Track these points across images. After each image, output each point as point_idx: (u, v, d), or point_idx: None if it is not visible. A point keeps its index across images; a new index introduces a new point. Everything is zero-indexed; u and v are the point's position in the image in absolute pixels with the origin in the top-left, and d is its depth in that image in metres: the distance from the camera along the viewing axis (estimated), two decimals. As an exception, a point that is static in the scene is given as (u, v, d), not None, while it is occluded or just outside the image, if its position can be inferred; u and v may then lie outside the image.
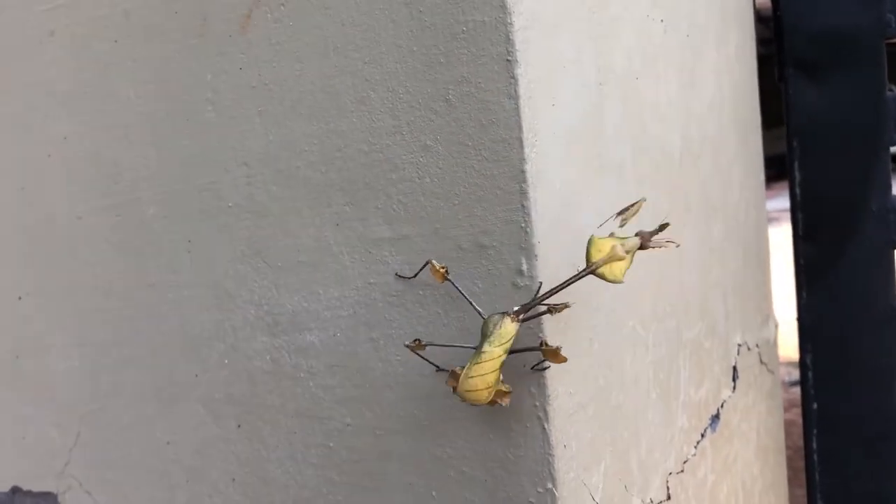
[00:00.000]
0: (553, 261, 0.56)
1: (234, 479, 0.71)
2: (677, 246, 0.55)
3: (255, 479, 0.70)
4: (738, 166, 1.06)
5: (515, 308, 0.52)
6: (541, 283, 0.54)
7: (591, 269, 0.51)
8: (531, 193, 0.54)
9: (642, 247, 0.52)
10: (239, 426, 0.70)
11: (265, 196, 0.65)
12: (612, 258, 0.51)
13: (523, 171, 0.54)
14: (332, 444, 0.65)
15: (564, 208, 0.58)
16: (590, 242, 0.51)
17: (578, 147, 0.61)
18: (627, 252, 0.51)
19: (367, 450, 0.64)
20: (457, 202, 0.57)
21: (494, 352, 0.52)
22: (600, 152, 0.64)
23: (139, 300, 0.73)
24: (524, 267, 0.55)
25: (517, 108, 0.54)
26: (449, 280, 0.55)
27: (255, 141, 0.65)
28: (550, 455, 0.56)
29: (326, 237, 0.63)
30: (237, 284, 0.68)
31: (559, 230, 0.57)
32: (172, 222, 0.70)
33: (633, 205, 0.53)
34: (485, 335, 0.52)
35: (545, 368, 0.55)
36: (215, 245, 0.68)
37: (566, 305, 0.52)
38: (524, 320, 0.53)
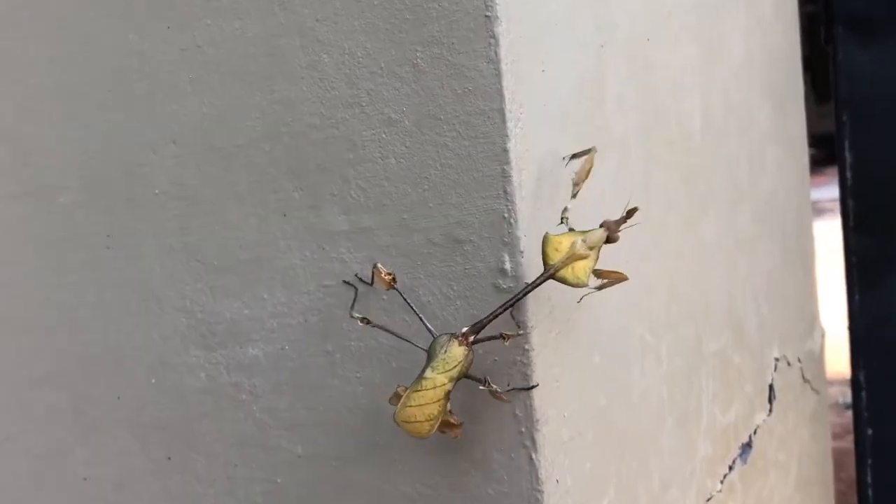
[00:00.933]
0: (540, 257, 0.55)
1: (164, 521, 0.70)
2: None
3: (189, 521, 0.69)
4: (774, 145, 1.06)
5: (465, 329, 0.52)
6: (526, 284, 0.54)
7: (549, 273, 0.50)
8: (515, 177, 0.54)
9: (609, 240, 0.52)
10: (169, 458, 0.69)
11: (198, 180, 0.64)
12: (573, 257, 0.51)
13: (506, 150, 0.54)
14: (279, 480, 0.65)
15: (556, 195, 0.58)
16: (545, 241, 0.51)
17: (573, 121, 0.60)
18: (591, 248, 0.51)
19: (322, 485, 0.63)
20: (427, 187, 0.56)
21: (437, 379, 0.51)
22: (600, 127, 0.64)
23: (51, 304, 0.72)
24: (507, 265, 0.54)
25: (498, 74, 0.53)
26: (395, 289, 0.55)
27: (186, 114, 0.64)
28: (539, 491, 0.55)
29: (272, 230, 0.62)
30: (166, 286, 0.67)
31: (549, 221, 0.56)
32: (90, 212, 0.70)
33: (583, 155, 0.53)
34: (430, 358, 0.52)
35: (531, 388, 0.55)
36: (140, 239, 0.68)
37: (517, 334, 0.51)
38: (475, 342, 0.52)
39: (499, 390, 0.52)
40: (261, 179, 0.62)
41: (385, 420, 0.60)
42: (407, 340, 0.55)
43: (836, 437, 2.09)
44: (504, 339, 0.51)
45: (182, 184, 0.65)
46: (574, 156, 0.54)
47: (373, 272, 0.56)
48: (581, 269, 0.51)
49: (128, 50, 0.66)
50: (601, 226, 0.52)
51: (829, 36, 1.22)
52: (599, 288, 0.55)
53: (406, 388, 0.53)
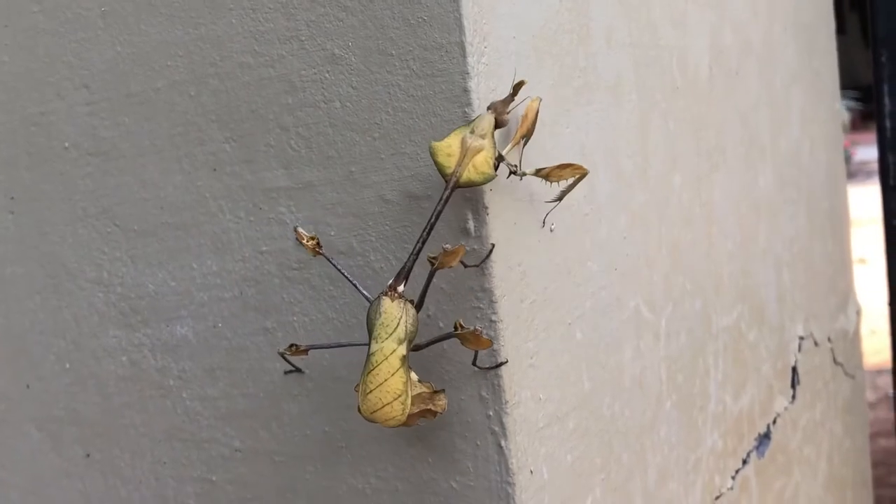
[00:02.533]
0: (509, 215, 0.56)
1: (83, 530, 0.71)
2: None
3: (112, 529, 0.70)
4: (800, 90, 1.07)
5: (390, 281, 0.53)
6: (493, 245, 0.55)
7: (453, 183, 0.52)
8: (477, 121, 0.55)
9: (499, 124, 0.53)
10: (87, 455, 0.70)
11: (114, 131, 0.65)
12: (469, 153, 0.52)
13: (467, 91, 0.54)
14: (215, 478, 0.66)
15: (530, 143, 0.58)
16: (433, 152, 0.52)
17: (551, 56, 0.61)
18: (482, 136, 0.52)
19: (263, 484, 0.64)
20: (377, 135, 0.57)
21: (385, 347, 0.52)
22: (584, 66, 0.65)
23: (-54, 282, 0.73)
24: (470, 224, 0.55)
25: (457, 1, 0.54)
26: (322, 254, 0.56)
27: (97, 54, 0.64)
28: (509, 484, 0.57)
29: (200, 188, 0.63)
30: (79, 257, 0.68)
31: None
32: (-11, 172, 0.70)
33: (513, 88, 0.54)
34: (371, 330, 0.52)
35: (499, 366, 0.56)
36: (47, 202, 0.68)
37: (448, 252, 0.51)
38: (419, 300, 0.53)
39: (478, 328, 0.52)
40: (185, 130, 0.63)
41: (333, 408, 0.61)
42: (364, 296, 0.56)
43: (886, 434, 2.11)
44: (433, 263, 0.52)
45: (95, 136, 0.66)
46: (513, 92, 0.55)
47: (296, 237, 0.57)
48: (482, 161, 0.52)
49: (29, -21, 0.66)
50: (488, 109, 0.53)
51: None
52: (560, 198, 0.56)
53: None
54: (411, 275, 0.53)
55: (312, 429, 0.62)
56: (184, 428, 0.66)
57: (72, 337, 0.69)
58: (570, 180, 0.56)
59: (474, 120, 0.53)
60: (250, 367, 0.63)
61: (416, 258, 0.53)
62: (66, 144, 0.67)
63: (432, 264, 0.52)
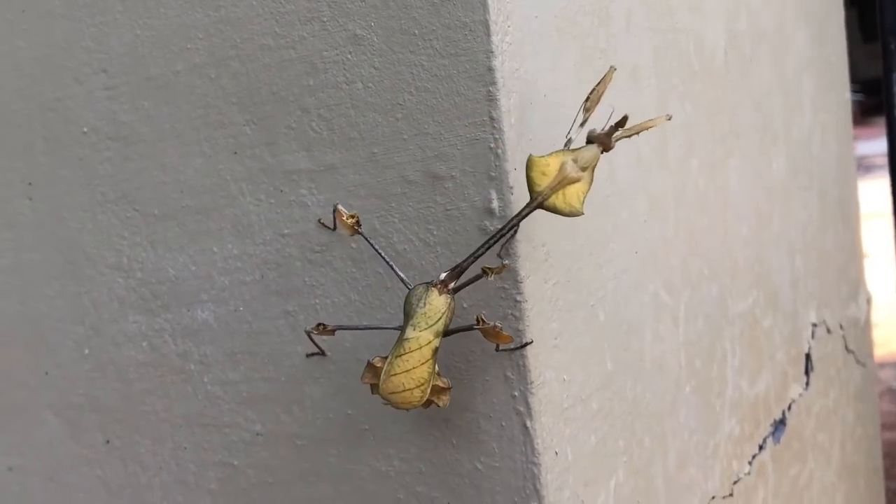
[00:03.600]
0: (535, 194, 0.56)
1: (103, 517, 0.71)
2: (668, 118, 0.53)
3: (132, 516, 0.70)
4: (811, 77, 1.07)
5: (443, 275, 0.52)
6: (511, 217, 0.55)
7: (537, 203, 0.50)
8: (503, 101, 0.54)
9: (605, 150, 0.51)
10: (107, 441, 0.70)
11: (133, 115, 0.65)
12: (564, 181, 0.50)
13: (491, 69, 0.54)
14: (236, 463, 0.66)
15: (550, 123, 0.58)
16: (529, 165, 0.51)
17: (573, 37, 0.61)
18: (584, 168, 0.51)
19: (285, 468, 0.64)
20: (400, 116, 0.57)
21: (422, 337, 0.52)
22: (605, 47, 0.64)
23: (-37, 270, 0.73)
24: (495, 204, 0.55)
25: (480, -20, 0.54)
26: (360, 234, 0.55)
27: (116, 37, 0.64)
28: (535, 465, 0.56)
29: (220, 171, 0.63)
30: (98, 242, 0.67)
31: (542, 153, 0.57)
32: (6, 157, 0.70)
33: (599, 83, 0.52)
34: (408, 316, 0.52)
35: (524, 346, 0.55)
36: (66, 187, 0.68)
37: (502, 267, 0.52)
38: (457, 289, 0.53)
39: (498, 325, 0.52)
40: (206, 113, 0.62)
41: (355, 390, 0.61)
42: (400, 278, 0.56)
43: (889, 426, 2.11)
44: (487, 274, 0.51)
45: (114, 120, 0.65)
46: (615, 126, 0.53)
47: (334, 215, 0.57)
48: (574, 194, 0.51)
49: (46, -36, 0.66)
50: (589, 141, 0.52)
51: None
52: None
53: (383, 359, 0.53)
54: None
55: (335, 412, 0.62)
56: (205, 413, 0.66)
57: (91, 323, 0.69)
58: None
59: (579, 149, 0.51)
60: (271, 350, 0.63)
61: (475, 261, 0.52)
62: (85, 129, 0.66)
63: (486, 275, 0.51)
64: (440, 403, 0.55)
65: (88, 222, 0.68)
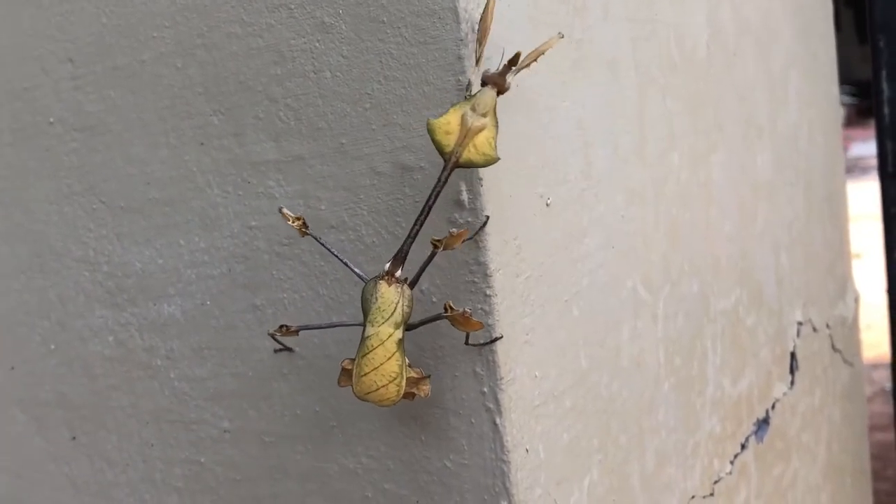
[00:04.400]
0: (505, 187, 0.55)
1: (70, 515, 0.70)
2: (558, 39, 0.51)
3: (99, 514, 0.69)
4: (798, 72, 1.06)
5: (387, 265, 0.51)
6: (487, 217, 0.53)
7: (452, 163, 0.49)
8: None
9: (500, 92, 0.50)
10: (74, 438, 0.69)
11: (99, 105, 0.63)
12: (470, 133, 0.49)
13: (460, 58, 0.53)
14: (203, 460, 0.65)
15: (524, 114, 0.57)
16: (430, 129, 0.50)
17: (546, 26, 0.59)
18: (484, 114, 0.50)
19: (252, 464, 0.63)
20: (369, 105, 0.56)
21: (381, 332, 0.51)
22: (581, 38, 0.63)
23: (-71, 263, 0.72)
24: (464, 196, 0.54)
25: (450, -34, 0.52)
26: (309, 234, 0.54)
27: (82, 26, 0.63)
28: (505, 462, 0.55)
29: (187, 162, 0.61)
30: (64, 235, 0.66)
31: (516, 144, 0.56)
32: (-28, 149, 0.69)
33: (483, 15, 0.50)
34: (366, 313, 0.51)
35: (493, 342, 0.54)
36: (32, 179, 0.67)
37: (454, 236, 0.50)
38: (416, 278, 0.52)
39: (468, 311, 0.51)
40: (172, 103, 0.61)
41: (323, 387, 0.60)
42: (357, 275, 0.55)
43: (881, 428, 2.11)
44: (437, 246, 0.50)
45: (80, 111, 0.64)
46: (508, 64, 0.52)
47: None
48: (484, 142, 0.49)
49: (12, -50, 0.65)
50: (484, 83, 0.50)
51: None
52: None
53: (352, 360, 0.52)
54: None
55: (303, 408, 0.61)
56: (172, 409, 0.65)
57: (57, 317, 0.68)
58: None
59: (475, 96, 0.50)
60: (239, 345, 0.62)
61: (413, 240, 0.51)
62: (51, 120, 0.65)
63: (435, 247, 0.50)
64: (421, 394, 0.53)
65: (54, 214, 0.67)
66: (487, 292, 0.54)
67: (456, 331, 0.55)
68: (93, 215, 0.65)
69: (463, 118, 0.49)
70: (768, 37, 0.98)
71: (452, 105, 0.50)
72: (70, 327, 0.68)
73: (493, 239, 0.54)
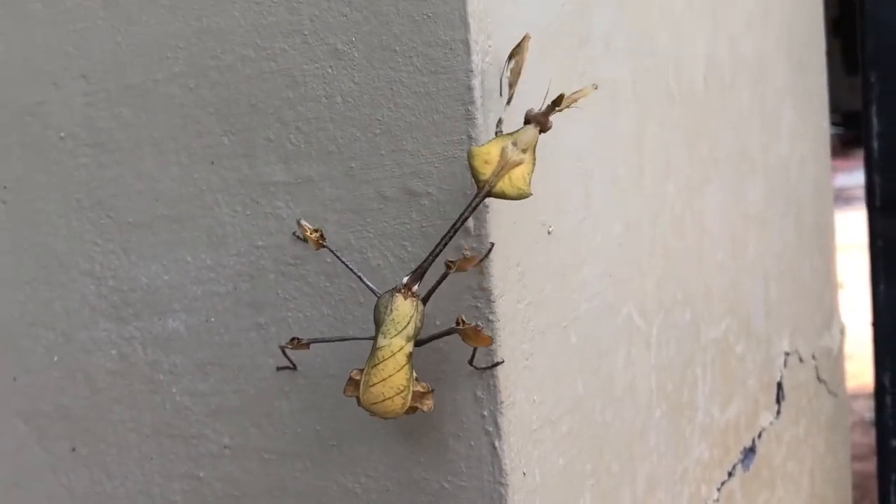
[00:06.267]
0: (511, 214, 0.56)
1: (66, 526, 0.70)
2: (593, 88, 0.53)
3: (95, 526, 0.70)
4: (790, 106, 1.08)
5: (405, 278, 0.53)
6: (492, 244, 0.55)
7: (485, 191, 0.51)
8: (481, 120, 0.55)
9: (542, 130, 0.52)
10: (74, 449, 0.69)
11: (111, 122, 0.64)
12: (508, 165, 0.51)
13: (471, 88, 0.54)
14: (202, 475, 0.65)
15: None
16: (470, 156, 0.51)
17: (552, 58, 0.61)
18: (524, 150, 0.51)
19: (251, 482, 0.64)
20: (378, 131, 0.57)
21: (394, 343, 0.52)
22: (585, 69, 0.65)
23: (-67, 272, 0.72)
24: (471, 223, 0.55)
25: (462, -1, 0.54)
26: (325, 246, 0.55)
27: (97, 44, 0.64)
28: (503, 485, 0.56)
29: (197, 181, 0.62)
30: (71, 248, 0.67)
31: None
32: (-19, 161, 0.70)
33: (514, 54, 0.53)
34: (378, 324, 0.52)
35: (495, 366, 0.55)
36: (41, 192, 0.68)
37: (466, 260, 0.52)
38: (428, 295, 0.53)
39: (479, 324, 0.52)
40: (184, 122, 0.62)
41: (325, 406, 0.61)
42: (369, 288, 0.56)
43: (861, 458, 2.12)
44: (450, 267, 0.52)
45: (91, 127, 0.65)
46: (511, 55, 0.54)
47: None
48: (519, 177, 0.51)
49: (29, -32, 0.66)
50: (527, 121, 0.52)
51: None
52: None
53: (361, 371, 0.53)
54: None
55: (303, 427, 0.62)
56: (173, 424, 0.66)
57: (62, 329, 0.69)
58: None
59: (517, 131, 0.52)
60: (242, 363, 0.63)
61: (435, 259, 0.52)
62: (62, 134, 0.66)
63: (448, 268, 0.52)
64: (424, 408, 0.54)
65: (62, 228, 0.67)
66: (490, 317, 0.55)
67: (458, 353, 0.56)
68: (100, 229, 0.66)
69: (503, 151, 0.51)
70: (763, 71, 1.00)
71: (495, 136, 0.52)
72: (74, 339, 0.68)
73: (497, 265, 0.56)
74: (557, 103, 0.52)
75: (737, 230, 0.92)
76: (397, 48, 0.56)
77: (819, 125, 1.21)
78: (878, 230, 1.31)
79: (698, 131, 0.83)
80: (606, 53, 0.68)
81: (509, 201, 0.52)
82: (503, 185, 0.51)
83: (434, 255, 0.52)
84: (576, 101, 0.52)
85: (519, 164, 0.51)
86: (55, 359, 0.69)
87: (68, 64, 0.65)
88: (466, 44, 0.54)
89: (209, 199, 0.62)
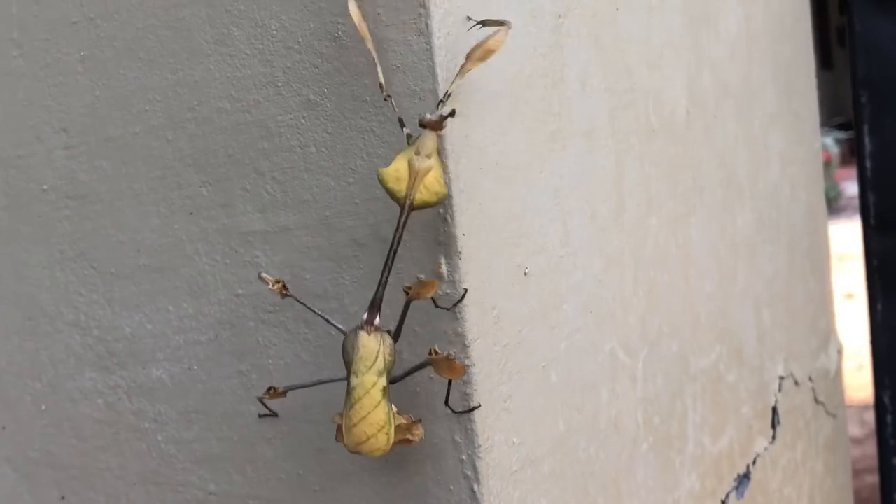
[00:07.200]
0: (482, 259, 0.57)
1: (58, 574, 0.71)
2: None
3: (86, 573, 0.70)
4: (779, 131, 1.08)
5: (364, 316, 0.53)
6: (465, 290, 0.55)
7: (408, 207, 0.52)
8: (452, 167, 0.55)
9: (436, 128, 0.52)
10: (63, 497, 0.70)
11: (91, 175, 0.65)
12: (418, 175, 0.52)
13: (440, 136, 0.55)
14: (189, 521, 0.66)
15: (502, 187, 0.59)
16: (381, 179, 0.53)
17: (525, 101, 0.62)
18: (428, 155, 0.52)
19: (237, 527, 0.64)
20: (352, 180, 0.58)
21: (366, 381, 0.53)
22: (559, 111, 0.65)
23: (-77, 323, 0.73)
24: (444, 268, 0.56)
25: (430, 50, 0.55)
26: (290, 295, 0.56)
27: (77, 98, 0.65)
28: (482, 529, 0.57)
29: (176, 231, 0.63)
30: (56, 299, 0.68)
31: (493, 218, 0.58)
32: (-33, 213, 0.71)
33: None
34: (348, 365, 0.53)
35: (471, 410, 0.56)
36: (25, 244, 0.69)
37: (423, 283, 0.52)
38: (396, 332, 0.54)
39: (451, 354, 0.53)
40: (163, 174, 0.63)
41: (307, 451, 0.61)
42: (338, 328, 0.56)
43: (872, 471, 2.11)
44: (407, 293, 0.52)
45: (73, 179, 0.66)
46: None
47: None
48: (432, 181, 0.52)
49: (9, 22, 0.67)
50: (422, 125, 0.53)
51: (845, 5, 1.25)
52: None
53: (341, 415, 0.54)
54: (383, 305, 0.54)
55: (287, 472, 0.62)
56: (159, 471, 0.66)
57: (48, 379, 0.69)
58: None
59: (416, 140, 0.53)
60: (225, 410, 0.64)
61: (385, 288, 0.53)
62: (45, 187, 0.67)
63: (407, 294, 0.52)
64: (416, 438, 0.55)
65: (47, 279, 0.68)
66: (466, 362, 0.56)
67: (435, 399, 0.56)
68: (84, 280, 0.67)
69: (410, 163, 0.52)
70: (749, 98, 1.00)
71: (397, 153, 0.53)
72: (61, 389, 0.69)
73: (472, 310, 0.56)
74: (452, 115, 0.52)
75: (724, 259, 0.92)
76: (368, 98, 0.57)
77: (810, 148, 1.22)
78: (873, 248, 1.31)
79: (681, 163, 0.84)
80: (582, 92, 0.68)
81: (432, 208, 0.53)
82: (421, 194, 0.52)
83: (382, 284, 0.53)
84: (466, 71, 0.53)
85: (429, 170, 0.52)
86: (43, 408, 0.70)
87: (49, 117, 0.66)
88: (435, 93, 0.55)
89: (189, 248, 0.63)
